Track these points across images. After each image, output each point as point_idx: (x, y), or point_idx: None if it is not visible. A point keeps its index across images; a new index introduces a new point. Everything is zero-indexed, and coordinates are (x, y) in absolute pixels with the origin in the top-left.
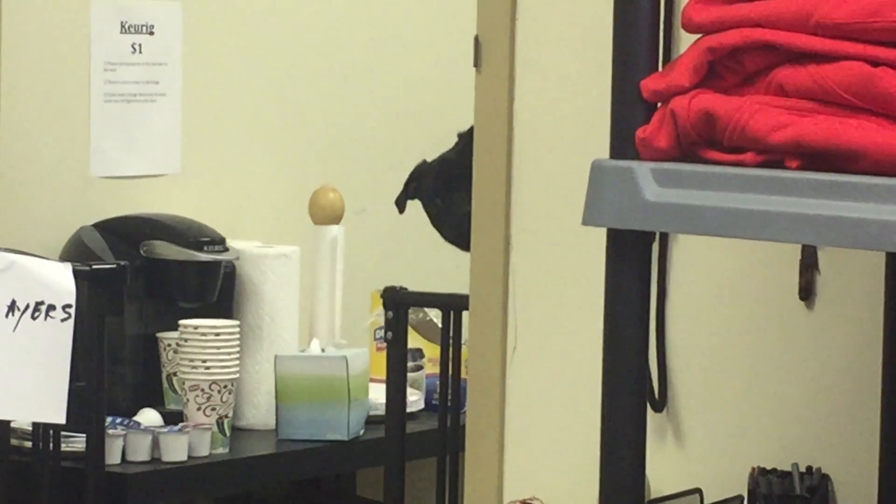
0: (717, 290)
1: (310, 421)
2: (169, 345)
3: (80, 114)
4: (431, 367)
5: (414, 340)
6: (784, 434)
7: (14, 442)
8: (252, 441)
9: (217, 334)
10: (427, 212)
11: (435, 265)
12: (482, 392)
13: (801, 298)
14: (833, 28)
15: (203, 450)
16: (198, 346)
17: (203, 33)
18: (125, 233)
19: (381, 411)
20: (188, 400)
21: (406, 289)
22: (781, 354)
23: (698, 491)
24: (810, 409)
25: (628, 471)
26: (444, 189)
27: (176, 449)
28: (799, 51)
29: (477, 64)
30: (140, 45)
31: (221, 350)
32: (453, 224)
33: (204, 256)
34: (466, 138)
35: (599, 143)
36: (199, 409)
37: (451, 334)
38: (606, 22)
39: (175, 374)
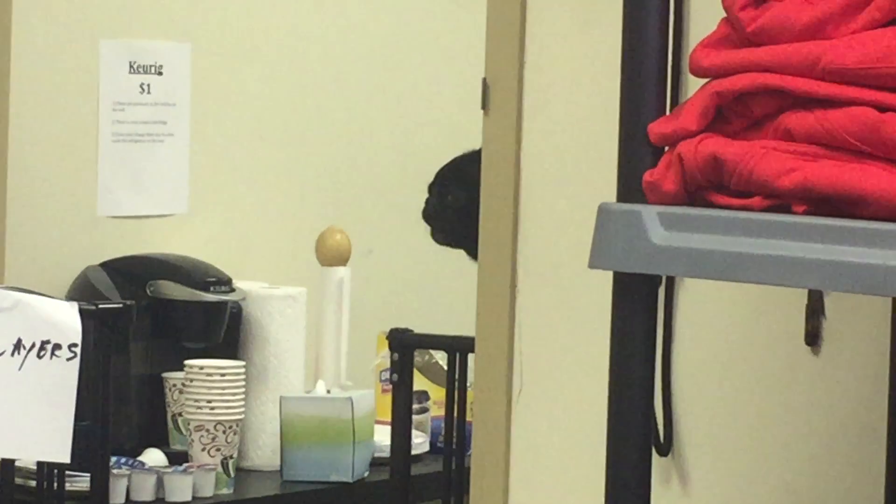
0: (723, 334)
1: (314, 462)
2: (174, 385)
3: (88, 153)
4: (437, 410)
5: (419, 383)
6: (789, 479)
7: (19, 481)
8: (256, 482)
9: (223, 375)
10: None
11: (441, 307)
12: (487, 435)
13: (808, 344)
14: (840, 73)
15: (207, 490)
16: (203, 387)
17: (211, 74)
18: (132, 272)
19: (386, 453)
20: (193, 440)
21: (412, 331)
22: (787, 399)
23: None
24: (815, 454)
25: None
26: (438, 183)
27: (180, 489)
28: (806, 96)
29: (484, 106)
30: (148, 86)
31: (227, 390)
32: (431, 212)
33: (210, 297)
34: None
35: (606, 187)
36: (203, 449)
37: (456, 377)
38: (614, 65)
39: (180, 414)
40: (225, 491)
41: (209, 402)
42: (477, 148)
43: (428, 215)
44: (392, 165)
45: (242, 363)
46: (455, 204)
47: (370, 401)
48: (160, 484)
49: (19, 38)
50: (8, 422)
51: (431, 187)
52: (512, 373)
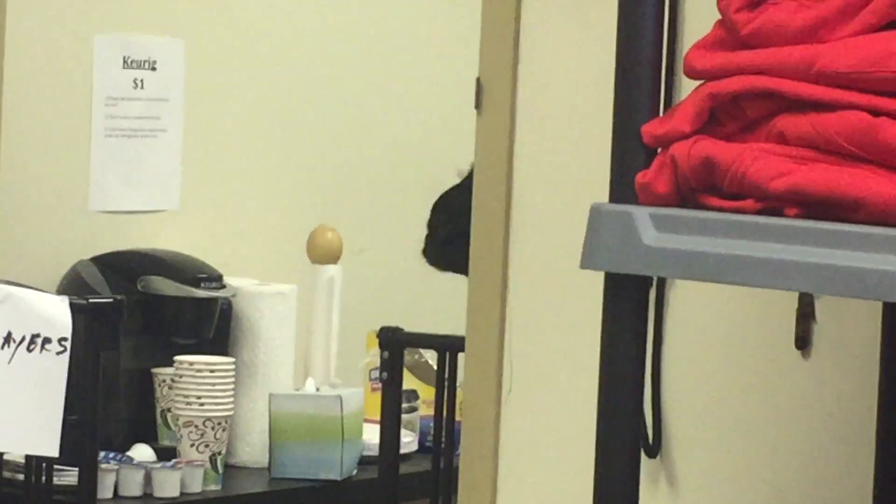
0: (714, 336)
1: (303, 460)
2: (164, 380)
3: (81, 148)
4: (426, 409)
5: (409, 381)
6: (778, 482)
7: (6, 474)
8: (245, 479)
9: (212, 371)
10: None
11: (431, 306)
12: (476, 434)
13: (798, 347)
14: (834, 77)
15: (195, 486)
16: (192, 383)
17: (205, 70)
18: (123, 267)
19: (375, 452)
20: (182, 436)
21: (402, 329)
22: (777, 403)
23: None
24: (804, 458)
25: None
26: (432, 217)
27: (168, 485)
28: (800, 99)
29: (478, 106)
30: (142, 81)
31: (216, 387)
32: (430, 243)
33: (201, 293)
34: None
35: (599, 187)
36: (192, 445)
37: (446, 376)
38: (608, 66)
39: (169, 409)
40: (213, 487)
41: (198, 398)
42: (466, 177)
43: (424, 249)
44: (384, 164)
45: (232, 360)
46: (441, 234)
47: (359, 399)
48: (148, 479)
49: (13, 33)
50: None
51: (428, 222)
52: (502, 373)
